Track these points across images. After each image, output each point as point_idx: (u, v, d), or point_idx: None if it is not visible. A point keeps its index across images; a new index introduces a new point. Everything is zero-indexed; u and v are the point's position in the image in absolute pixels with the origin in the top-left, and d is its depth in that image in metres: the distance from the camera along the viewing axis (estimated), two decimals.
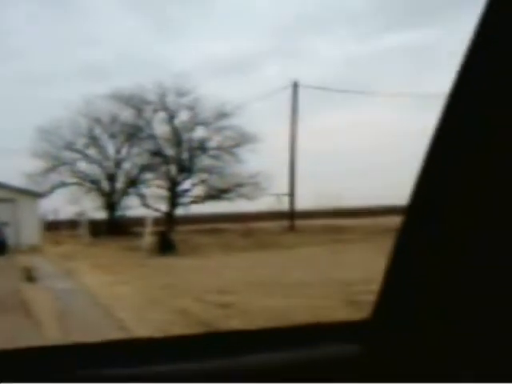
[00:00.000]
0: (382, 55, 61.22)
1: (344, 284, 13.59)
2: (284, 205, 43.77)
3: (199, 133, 45.85)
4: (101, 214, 45.73)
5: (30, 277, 18.38)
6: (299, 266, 18.27)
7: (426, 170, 1.64)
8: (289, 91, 42.33)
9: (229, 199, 45.73)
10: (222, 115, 44.23)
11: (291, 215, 41.90)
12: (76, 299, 14.11)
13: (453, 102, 1.57)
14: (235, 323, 9.93)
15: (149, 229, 26.98)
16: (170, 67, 65.51)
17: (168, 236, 26.73)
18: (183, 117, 45.32)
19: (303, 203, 44.34)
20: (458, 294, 1.65)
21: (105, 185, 46.85)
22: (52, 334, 10.20)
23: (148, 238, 26.42)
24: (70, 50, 61.51)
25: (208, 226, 42.58)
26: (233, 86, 63.72)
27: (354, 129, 61.51)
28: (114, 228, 42.90)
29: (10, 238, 31.15)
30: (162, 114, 45.42)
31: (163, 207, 45.10)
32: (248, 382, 1.64)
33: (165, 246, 25.39)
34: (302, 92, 42.38)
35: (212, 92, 62.29)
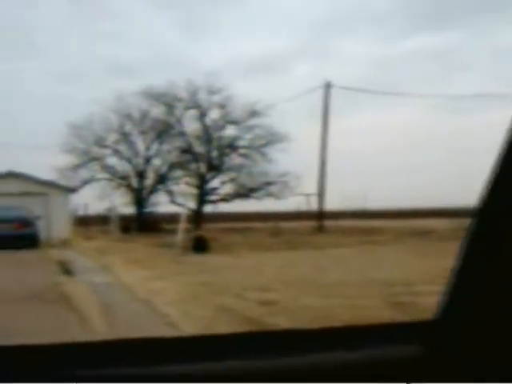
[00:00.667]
0: (408, 57, 61.14)
1: (382, 285, 13.58)
2: (312, 205, 43.76)
3: (229, 131, 46.00)
4: (129, 210, 45.95)
5: (66, 270, 18.57)
6: (334, 266, 18.29)
7: (498, 173, 1.66)
8: (318, 91, 42.29)
9: (257, 198, 45.83)
10: (253, 114, 44.34)
11: (320, 215, 41.86)
12: (116, 293, 14.24)
13: None
14: (280, 320, 9.98)
15: (182, 226, 27.08)
16: (200, 66, 65.83)
17: (202, 234, 26.84)
18: (214, 115, 45.49)
19: (328, 204, 44.31)
20: None
21: (134, 181, 47.07)
22: (97, 328, 10.31)
23: (181, 235, 26.53)
24: (100, 48, 62.06)
25: (235, 225, 42.71)
26: (261, 85, 63.95)
27: (380, 129, 61.39)
28: (143, 224, 43.12)
29: (42, 232, 31.44)
30: (192, 112, 45.58)
31: (191, 204, 45.26)
32: (309, 382, 1.67)
33: (197, 243, 25.50)
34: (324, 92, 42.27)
35: (241, 91, 62.50)
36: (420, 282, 13.93)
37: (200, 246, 25.35)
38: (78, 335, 9.73)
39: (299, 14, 64.36)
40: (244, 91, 68.45)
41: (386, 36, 63.80)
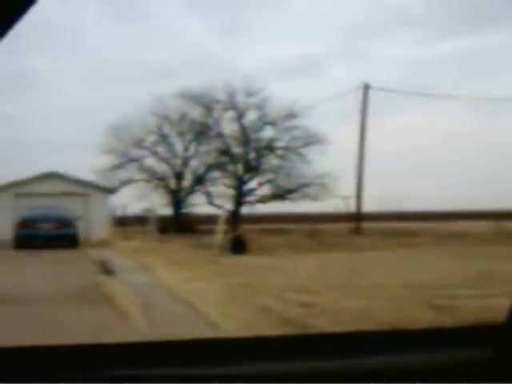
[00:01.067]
0: (443, 59, 60.79)
1: (421, 288, 13.57)
2: (350, 207, 43.68)
3: (267, 132, 46.10)
4: (166, 211, 46.23)
5: (106, 270, 18.78)
6: (372, 268, 18.29)
7: None
8: (355, 93, 42.21)
9: (294, 199, 45.85)
10: (291, 115, 44.39)
11: (358, 217, 41.77)
12: (156, 293, 14.39)
13: None
14: (320, 322, 10.04)
15: (221, 227, 27.22)
16: (236, 69, 66.07)
17: (241, 236, 26.94)
18: (252, 116, 45.62)
19: (364, 206, 44.19)
20: None
21: (171, 182, 47.35)
22: (140, 327, 10.46)
23: (219, 236, 26.67)
24: (138, 51, 62.63)
25: (272, 226, 42.79)
26: (297, 87, 64.02)
27: (416, 131, 61.13)
28: (180, 225, 43.36)
29: (81, 231, 31.83)
30: (230, 113, 45.76)
31: (229, 206, 45.43)
32: (384, 382, 1.68)
33: (236, 244, 25.62)
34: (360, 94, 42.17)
35: (277, 93, 62.59)
36: (457, 286, 13.90)
37: (238, 246, 25.45)
38: (121, 334, 9.90)
39: (336, 16, 64.33)
40: (280, 93, 68.41)
41: (422, 39, 63.55)
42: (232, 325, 10.29)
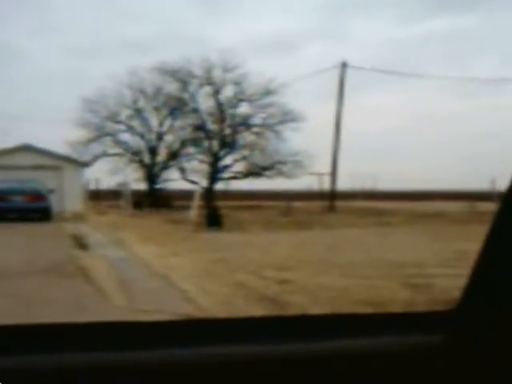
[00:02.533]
0: (422, 40, 60.97)
1: (397, 266, 13.66)
2: (324, 184, 43.80)
3: (243, 109, 46.00)
4: (140, 186, 46.11)
5: (81, 244, 18.73)
6: (347, 246, 18.36)
7: None
8: (332, 71, 42.18)
9: (269, 177, 45.90)
10: (268, 92, 44.32)
11: (332, 195, 41.89)
12: (132, 268, 14.38)
13: None
14: (298, 299, 10.08)
15: (196, 202, 27.18)
16: (214, 44, 65.78)
17: (215, 210, 26.90)
18: (228, 92, 45.48)
19: (338, 184, 44.30)
20: None
21: (146, 157, 47.18)
22: (117, 301, 10.44)
23: (195, 212, 26.64)
24: (115, 24, 62.11)
25: (247, 203, 42.83)
26: (274, 64, 63.89)
27: (392, 111, 61.36)
28: (155, 200, 43.25)
29: (54, 205, 31.61)
30: (207, 89, 45.57)
31: (203, 182, 45.40)
32: (324, 369, 1.65)
33: (211, 220, 25.60)
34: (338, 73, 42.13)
35: (253, 70, 62.43)
36: (433, 265, 14.02)
37: (214, 222, 25.43)
38: (98, 309, 9.89)
39: None
40: (256, 70, 68.17)
41: (401, 18, 63.55)
42: (210, 301, 10.31)
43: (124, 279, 12.56)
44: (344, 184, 46.34)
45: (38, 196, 30.37)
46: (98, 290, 11.44)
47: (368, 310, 9.04)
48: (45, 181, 32.87)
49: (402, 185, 56.93)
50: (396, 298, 9.92)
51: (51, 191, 31.96)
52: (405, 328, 1.79)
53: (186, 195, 44.45)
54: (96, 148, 46.00)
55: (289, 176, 45.63)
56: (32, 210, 29.69)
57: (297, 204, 39.82)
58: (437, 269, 13.27)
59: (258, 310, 9.56)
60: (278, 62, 64.75)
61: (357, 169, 54.42)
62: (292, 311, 9.31)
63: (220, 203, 39.86)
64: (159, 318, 8.96)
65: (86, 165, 39.30)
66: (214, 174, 45.58)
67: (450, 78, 58.64)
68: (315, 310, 9.32)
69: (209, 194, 42.65)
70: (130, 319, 8.87)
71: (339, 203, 42.15)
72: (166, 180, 47.72)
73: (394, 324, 1.82)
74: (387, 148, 59.25)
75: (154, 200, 43.56)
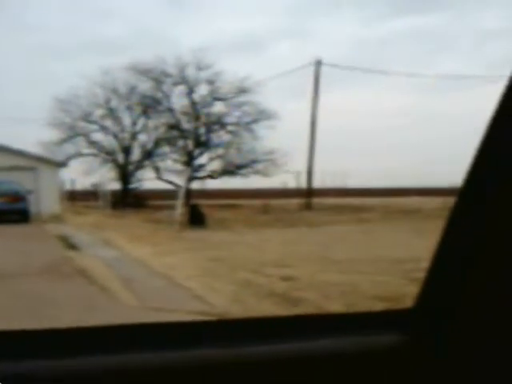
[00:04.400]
0: (389, 38, 61.48)
1: (394, 262, 13.78)
2: (300, 182, 43.97)
3: (217, 108, 45.95)
4: (115, 186, 45.87)
5: (71, 245, 18.63)
6: (336, 243, 18.50)
7: (480, 156, 1.61)
8: (300, 70, 42.33)
9: (244, 175, 45.91)
10: (241, 91, 44.32)
11: (309, 193, 42.05)
12: (130, 268, 14.33)
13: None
14: (309, 295, 10.17)
15: (180, 201, 27.13)
16: (183, 44, 65.66)
17: (199, 209, 26.88)
18: (202, 91, 45.39)
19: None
20: (505, 289, 1.67)
21: (120, 156, 46.93)
22: (127, 301, 10.44)
23: (179, 211, 26.60)
24: (84, 23, 61.70)
25: (223, 202, 42.81)
26: (244, 63, 63.99)
27: (362, 108, 61.73)
28: (129, 200, 43.09)
29: (31, 206, 31.31)
30: (180, 88, 45.44)
31: (178, 181, 45.25)
32: (286, 370, 1.66)
33: (195, 219, 25.59)
34: (311, 71, 42.34)
35: (224, 69, 62.40)
36: (428, 259, 14.17)
37: (197, 219, 25.44)
38: (111, 309, 9.88)
39: None
40: (226, 68, 68.16)
41: (368, 17, 63.93)
42: (220, 298, 10.35)
43: (126, 279, 12.53)
44: (314, 181, 46.48)
45: (17, 197, 30.09)
46: (104, 290, 11.41)
47: (384, 305, 9.16)
48: (21, 182, 32.54)
49: (370, 182, 57.24)
50: (408, 292, 10.02)
51: (29, 192, 31.67)
52: (364, 327, 1.79)
53: (161, 195, 44.45)
54: (69, 148, 45.64)
55: (264, 174, 45.69)
56: (11, 211, 29.41)
57: (272, 202, 39.92)
58: None
59: (270, 307, 9.63)
60: (247, 61, 64.78)
61: (325, 166, 54.53)
62: (306, 307, 9.39)
63: (196, 202, 39.90)
64: (175, 316, 9.02)
65: (62, 165, 38.90)
66: (190, 173, 45.45)
67: (418, 75, 59.15)
68: (330, 305, 9.42)
69: (185, 193, 42.54)
70: (145, 318, 8.90)
71: (314, 200, 42.32)
72: (141, 180, 47.50)
73: (353, 324, 1.82)
74: (355, 146, 59.44)
75: (129, 200, 43.36)
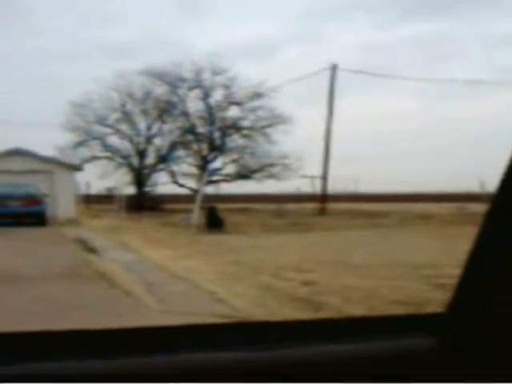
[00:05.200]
0: (399, 44, 61.52)
1: (413, 267, 13.78)
2: (315, 187, 43.99)
3: (232, 112, 46.09)
4: (130, 190, 46.06)
5: (89, 248, 18.73)
6: (354, 248, 18.49)
7: None
8: (315, 74, 42.39)
9: (258, 179, 46.01)
10: (256, 96, 44.43)
11: (323, 198, 42.07)
12: (150, 271, 14.40)
13: None
14: (330, 299, 10.22)
15: (197, 205, 27.24)
16: (195, 48, 65.91)
17: (217, 213, 26.95)
18: (217, 95, 45.53)
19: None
20: None
21: (135, 160, 47.10)
22: (150, 304, 10.52)
23: (196, 214, 26.70)
24: (97, 28, 62.06)
25: (237, 206, 42.87)
26: (257, 67, 64.14)
27: (373, 113, 61.70)
28: (144, 204, 43.25)
29: (47, 209, 31.53)
30: (196, 92, 45.60)
31: (193, 185, 45.42)
32: (315, 373, 1.64)
33: (212, 222, 25.67)
34: (322, 76, 42.42)
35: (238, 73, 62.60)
36: (448, 265, 14.14)
37: (215, 223, 25.51)
38: (135, 313, 9.96)
39: (294, 0, 64.42)
40: (238, 73, 68.43)
41: (378, 24, 64.06)
42: (243, 302, 10.39)
43: (147, 282, 12.61)
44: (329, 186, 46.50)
45: (34, 200, 30.32)
46: (126, 293, 11.48)
47: (405, 309, 9.21)
48: (37, 185, 32.76)
49: (382, 187, 57.19)
50: (428, 297, 10.08)
51: (46, 195, 31.89)
52: (393, 331, 1.78)
53: (175, 199, 44.60)
54: (84, 152, 45.89)
55: (278, 178, 45.81)
56: (28, 214, 29.64)
57: (287, 206, 39.96)
58: (454, 269, 13.38)
59: (293, 311, 9.68)
60: (259, 66, 64.95)
61: (337, 172, 54.60)
62: (328, 311, 9.44)
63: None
64: (198, 319, 9.08)
65: (77, 168, 39.12)
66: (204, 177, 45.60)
67: (426, 81, 59.20)
68: (351, 310, 9.46)
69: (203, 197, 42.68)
70: (169, 321, 8.97)
71: (328, 205, 42.35)
72: (156, 183, 47.69)
73: (383, 327, 1.81)
74: (365, 152, 59.40)
75: (143, 203, 43.53)
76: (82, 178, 43.49)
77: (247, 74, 70.82)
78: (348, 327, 1.82)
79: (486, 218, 1.67)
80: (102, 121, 46.64)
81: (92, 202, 43.40)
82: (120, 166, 47.25)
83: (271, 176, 45.92)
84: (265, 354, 1.65)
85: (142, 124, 47.06)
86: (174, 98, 45.79)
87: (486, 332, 1.70)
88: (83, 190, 43.73)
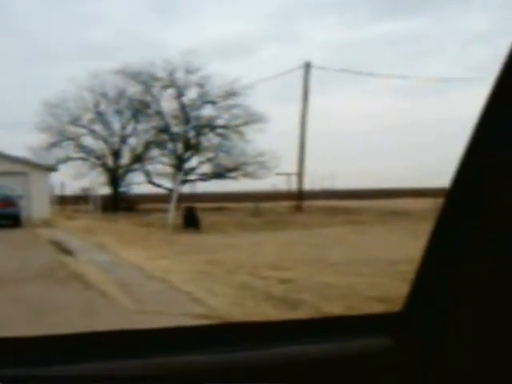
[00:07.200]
0: (373, 42, 61.78)
1: (390, 263, 13.77)
2: (292, 185, 44.01)
3: (207, 111, 45.95)
4: (104, 190, 45.78)
5: (64, 250, 18.58)
6: (331, 245, 18.51)
7: (467, 157, 1.60)
8: (289, 72, 42.44)
9: (234, 178, 45.92)
10: (231, 94, 44.33)
11: (299, 195, 42.08)
12: (126, 272, 14.30)
13: (499, 89, 1.53)
14: (308, 297, 10.18)
15: (173, 205, 27.12)
16: (171, 48, 65.67)
17: (194, 212, 26.83)
18: (192, 94, 45.38)
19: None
20: (493, 291, 1.64)
21: (109, 161, 46.82)
22: (126, 305, 10.42)
23: (172, 214, 26.59)
24: (72, 28, 61.68)
25: (213, 205, 42.74)
26: (233, 66, 64.14)
27: (348, 111, 61.90)
28: (120, 204, 43.03)
29: (22, 211, 31.25)
30: (170, 91, 45.41)
31: (168, 184, 45.24)
32: (277, 374, 1.64)
33: (189, 222, 25.57)
34: (297, 74, 42.49)
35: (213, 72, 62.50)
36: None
37: (191, 222, 25.42)
38: (112, 313, 9.87)
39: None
40: (214, 72, 68.35)
41: (351, 22, 64.26)
42: (219, 302, 10.34)
43: (123, 283, 12.51)
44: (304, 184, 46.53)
45: (9, 202, 30.02)
46: (102, 294, 11.38)
47: (383, 306, 9.19)
48: (11, 186, 32.45)
49: (359, 184, 57.35)
50: (406, 294, 10.05)
51: (20, 197, 31.61)
52: (353, 331, 1.78)
53: (150, 198, 44.41)
54: (58, 152, 45.51)
55: (254, 177, 45.75)
56: (2, 216, 29.33)
57: (263, 205, 39.92)
58: None
59: (270, 309, 9.65)
60: (234, 65, 64.91)
61: (313, 169, 54.63)
62: (305, 309, 9.41)
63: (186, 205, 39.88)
64: (175, 319, 9.01)
65: (52, 169, 38.80)
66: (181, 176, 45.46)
67: (399, 77, 59.46)
68: (328, 307, 9.44)
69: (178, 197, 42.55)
70: (145, 322, 8.91)
71: (304, 203, 42.36)
72: (131, 183, 47.44)
73: (342, 327, 1.82)
74: (342, 148, 59.54)
75: (117, 204, 43.30)
76: (56, 178, 43.18)
77: (224, 72, 70.52)
78: (308, 328, 1.81)
79: (439, 215, 1.68)
80: (75, 121, 46.28)
81: (67, 202, 43.05)
82: (95, 166, 46.96)
83: (247, 174, 45.85)
84: (231, 355, 1.65)
85: (116, 124, 46.79)
86: (148, 98, 45.59)
87: (442, 330, 1.70)
88: (58, 191, 43.37)
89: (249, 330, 1.81)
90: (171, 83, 45.01)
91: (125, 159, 47.01)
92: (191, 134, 46.21)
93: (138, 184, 47.05)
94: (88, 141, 47.11)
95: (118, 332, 1.68)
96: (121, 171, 46.91)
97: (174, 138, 45.97)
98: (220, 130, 46.45)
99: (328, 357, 1.69)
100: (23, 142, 49.82)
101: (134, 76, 44.50)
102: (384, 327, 1.77)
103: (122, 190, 46.89)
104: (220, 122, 46.47)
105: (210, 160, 46.49)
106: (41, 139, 44.78)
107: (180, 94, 45.41)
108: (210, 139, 46.69)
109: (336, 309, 9.20)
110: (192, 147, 45.80)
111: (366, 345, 1.74)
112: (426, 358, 1.70)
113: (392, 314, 1.82)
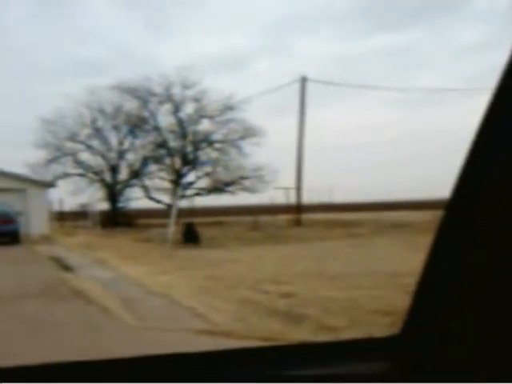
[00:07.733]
0: (367, 55, 62.27)
1: (391, 276, 13.79)
2: (290, 198, 44.05)
3: (204, 125, 46.06)
4: (103, 206, 45.81)
5: (64, 266, 18.55)
6: (331, 259, 18.51)
7: (466, 168, 1.59)
8: (285, 86, 42.47)
9: (232, 192, 45.98)
10: (227, 108, 44.43)
11: (298, 209, 42.10)
12: (127, 287, 14.26)
13: (499, 97, 1.52)
14: (311, 311, 10.16)
15: (172, 220, 27.11)
16: (165, 63, 66.04)
17: (193, 227, 26.83)
18: (189, 109, 45.49)
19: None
20: (495, 310, 1.59)
21: (107, 176, 46.87)
22: (128, 321, 10.40)
23: (172, 229, 26.57)
24: (67, 45, 61.99)
25: (212, 219, 42.80)
26: (226, 81, 64.39)
27: (345, 124, 62.17)
28: (118, 219, 43.03)
29: (21, 228, 31.21)
30: (167, 106, 45.51)
31: (167, 199, 45.27)
32: None
33: (188, 237, 25.56)
34: (292, 88, 42.51)
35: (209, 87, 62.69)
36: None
37: (191, 237, 25.41)
38: (114, 329, 9.85)
39: (261, 13, 64.96)
40: (209, 87, 68.59)
41: (346, 35, 64.66)
42: (222, 317, 10.31)
43: (124, 299, 12.48)
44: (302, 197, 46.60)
45: (7, 219, 29.98)
46: (104, 310, 11.34)
47: (386, 319, 9.17)
48: (9, 203, 32.41)
49: (357, 197, 57.51)
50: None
51: (19, 214, 31.58)
52: (351, 355, 1.78)
53: (148, 213, 44.42)
54: (56, 168, 45.56)
55: (252, 191, 45.80)
56: (1, 233, 29.30)
57: (262, 218, 39.93)
58: None
59: (274, 325, 9.61)
60: (230, 78, 65.19)
61: (311, 182, 54.74)
62: (310, 323, 9.39)
63: (185, 220, 39.85)
64: (178, 335, 9.01)
65: (50, 185, 38.79)
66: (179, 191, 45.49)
67: (397, 90, 59.78)
68: (332, 321, 9.42)
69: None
70: (149, 338, 8.90)
71: (302, 216, 42.38)
72: (129, 199, 47.47)
73: (342, 352, 1.82)
74: (340, 161, 59.74)
75: (116, 219, 43.31)
76: (55, 194, 43.19)
77: (217, 86, 70.73)
78: (307, 353, 1.80)
79: (435, 237, 1.66)
80: (73, 137, 46.36)
81: (66, 218, 43.05)
82: (93, 182, 47.02)
83: (245, 188, 45.91)
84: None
85: (113, 139, 46.91)
86: (145, 113, 45.69)
87: (440, 353, 1.67)
88: (56, 207, 43.37)
89: (241, 355, 1.80)
90: (168, 98, 45.14)
91: (123, 174, 47.14)
92: (189, 148, 46.28)
93: (136, 199, 47.11)
94: (86, 156, 47.29)
95: (137, 358, 1.69)
96: (119, 186, 46.96)
97: (171, 152, 46.04)
98: (217, 145, 46.56)
99: (325, 381, 1.67)
100: (21, 158, 49.77)
101: (131, 91, 44.64)
102: (382, 351, 1.76)
103: (120, 205, 46.91)
104: (217, 136, 46.61)
105: (207, 174, 46.57)
106: (39, 156, 44.90)
107: (177, 109, 45.54)
108: (207, 154, 46.80)
109: (340, 323, 9.18)
110: (190, 162, 45.84)
111: (363, 369, 1.73)
112: (422, 381, 1.67)
113: (389, 337, 1.80)
